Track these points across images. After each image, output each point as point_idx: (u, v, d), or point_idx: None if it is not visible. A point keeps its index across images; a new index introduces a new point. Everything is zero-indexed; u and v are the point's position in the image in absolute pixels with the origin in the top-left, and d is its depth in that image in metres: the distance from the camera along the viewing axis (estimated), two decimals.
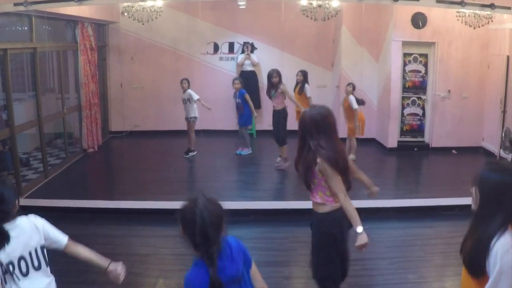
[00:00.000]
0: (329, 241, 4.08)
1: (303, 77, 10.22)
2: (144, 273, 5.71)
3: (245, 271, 2.80)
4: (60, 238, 3.31)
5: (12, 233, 2.98)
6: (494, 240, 2.51)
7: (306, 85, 10.19)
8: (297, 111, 9.98)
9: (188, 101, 10.27)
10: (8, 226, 2.98)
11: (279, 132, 9.49)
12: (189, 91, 10.26)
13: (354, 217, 3.97)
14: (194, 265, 2.65)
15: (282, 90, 9.36)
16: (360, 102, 9.90)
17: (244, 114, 10.51)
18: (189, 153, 10.51)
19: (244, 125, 10.63)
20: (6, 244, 2.94)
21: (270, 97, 9.64)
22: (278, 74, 9.38)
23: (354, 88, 9.98)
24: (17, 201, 3.14)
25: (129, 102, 11.94)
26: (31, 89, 9.55)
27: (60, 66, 10.10)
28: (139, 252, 6.26)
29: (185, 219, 2.61)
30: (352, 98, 9.84)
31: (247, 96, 10.40)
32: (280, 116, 9.51)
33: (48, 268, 3.26)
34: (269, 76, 9.49)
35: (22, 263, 3.06)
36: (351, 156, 10.16)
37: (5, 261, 2.99)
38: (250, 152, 10.66)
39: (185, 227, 2.62)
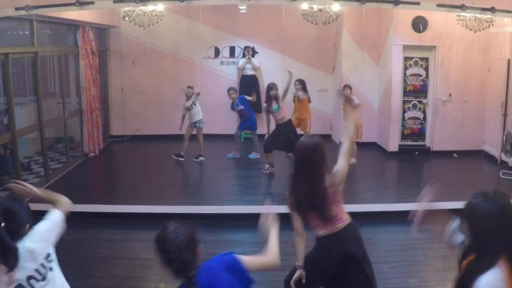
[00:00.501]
0: None
1: (302, 86, 10.27)
2: (145, 278, 5.70)
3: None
4: (55, 217, 3.37)
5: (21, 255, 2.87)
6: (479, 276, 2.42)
7: (304, 92, 10.34)
8: (295, 118, 10.21)
9: (194, 104, 10.25)
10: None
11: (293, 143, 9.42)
12: (193, 98, 10.27)
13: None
14: None
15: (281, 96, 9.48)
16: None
17: (250, 119, 10.51)
18: (199, 157, 10.50)
19: (251, 129, 10.63)
20: (16, 265, 2.83)
21: (271, 112, 9.64)
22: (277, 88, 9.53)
23: (351, 89, 10.06)
24: (28, 224, 3.10)
25: (130, 106, 11.95)
26: (32, 93, 9.55)
27: (61, 71, 10.11)
28: (140, 257, 6.25)
29: (160, 249, 2.63)
30: (354, 97, 9.91)
31: (248, 98, 10.41)
32: (291, 125, 9.69)
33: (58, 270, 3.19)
34: (269, 88, 9.56)
35: (32, 281, 2.95)
36: (352, 160, 10.18)
37: (14, 284, 2.86)
38: (259, 156, 10.64)
39: (162, 257, 2.63)
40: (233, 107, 10.59)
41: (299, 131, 10.06)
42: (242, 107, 10.40)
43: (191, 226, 2.76)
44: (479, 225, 2.49)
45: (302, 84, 10.30)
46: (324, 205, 3.92)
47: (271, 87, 9.58)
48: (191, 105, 10.26)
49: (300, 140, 4.07)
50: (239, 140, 10.86)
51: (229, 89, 10.57)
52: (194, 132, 10.43)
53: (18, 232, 2.97)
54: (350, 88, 10.10)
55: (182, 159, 10.37)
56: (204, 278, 2.65)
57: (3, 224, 2.82)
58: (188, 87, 10.34)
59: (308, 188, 3.90)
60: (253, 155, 10.72)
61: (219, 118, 11.83)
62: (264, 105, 9.98)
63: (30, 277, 2.92)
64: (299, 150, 3.98)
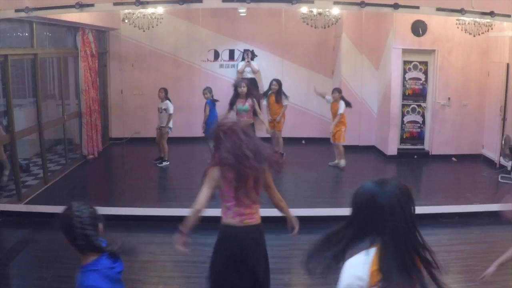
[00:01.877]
0: None
1: (279, 86, 10.27)
2: (143, 280, 5.70)
3: None
4: None
5: None
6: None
7: (283, 95, 10.36)
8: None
9: (164, 110, 10.20)
10: None
11: None
12: (167, 102, 10.21)
13: None
14: (88, 271, 2.75)
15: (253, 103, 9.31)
16: (348, 104, 10.07)
17: (209, 123, 10.36)
18: (163, 162, 10.44)
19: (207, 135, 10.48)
20: None
21: (237, 110, 9.33)
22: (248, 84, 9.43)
23: (340, 92, 10.09)
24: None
25: (130, 108, 11.93)
26: (32, 95, 9.55)
27: (61, 73, 10.10)
28: (138, 259, 6.24)
29: (65, 225, 2.80)
30: (341, 104, 9.97)
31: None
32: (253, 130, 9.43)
33: None
34: (236, 85, 9.28)
35: None
36: (342, 162, 10.23)
37: None
38: None
39: (67, 233, 2.79)
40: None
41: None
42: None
43: (91, 205, 2.96)
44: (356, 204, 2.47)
45: (279, 84, 10.35)
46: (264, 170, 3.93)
47: (239, 84, 9.26)
48: (162, 109, 10.25)
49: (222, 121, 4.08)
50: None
51: (204, 89, 10.49)
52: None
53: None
54: (340, 91, 10.16)
55: (168, 162, 10.43)
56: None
57: None
58: (160, 90, 10.29)
59: (257, 145, 3.87)
60: None
61: None
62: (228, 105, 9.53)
63: None
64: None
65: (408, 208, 2.35)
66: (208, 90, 10.43)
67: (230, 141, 3.83)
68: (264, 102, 10.47)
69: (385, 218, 2.29)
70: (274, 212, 7.78)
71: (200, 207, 3.94)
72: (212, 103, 10.20)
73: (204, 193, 3.97)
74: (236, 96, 9.24)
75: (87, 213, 2.83)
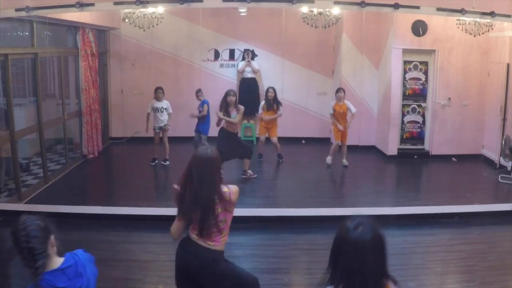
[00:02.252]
0: None
1: (275, 94, 10.28)
2: (143, 280, 5.70)
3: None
4: None
5: None
6: None
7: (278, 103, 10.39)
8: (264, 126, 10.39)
9: (165, 110, 10.19)
10: None
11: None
12: (166, 101, 10.23)
13: None
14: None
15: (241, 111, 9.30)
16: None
17: (206, 123, 10.43)
18: (167, 161, 10.45)
19: (203, 133, 10.44)
20: None
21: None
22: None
23: (344, 92, 10.17)
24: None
25: (130, 108, 11.94)
26: (32, 94, 9.55)
27: (61, 72, 10.10)
28: (138, 259, 6.25)
29: (13, 238, 2.65)
30: (349, 102, 10.03)
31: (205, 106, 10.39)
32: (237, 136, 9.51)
33: None
34: (227, 94, 9.26)
35: None
36: (345, 161, 10.28)
37: None
38: None
39: (14, 247, 2.65)
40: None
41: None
42: (201, 109, 10.35)
43: (44, 217, 2.76)
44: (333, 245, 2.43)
45: (275, 91, 10.33)
46: (209, 215, 3.78)
47: (228, 93, 9.26)
48: (162, 109, 10.23)
49: (198, 151, 3.95)
50: (199, 144, 10.70)
51: (197, 91, 10.52)
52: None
53: None
54: (344, 91, 10.20)
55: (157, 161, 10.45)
56: (69, 261, 2.73)
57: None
58: (158, 89, 10.26)
59: (200, 193, 3.79)
60: None
61: None
62: (217, 110, 9.36)
63: None
64: (197, 160, 3.87)
65: (379, 254, 2.32)
66: (201, 92, 10.47)
67: (188, 179, 3.89)
68: (260, 110, 10.43)
69: (351, 259, 2.30)
70: (272, 212, 7.82)
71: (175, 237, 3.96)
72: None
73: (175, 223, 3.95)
74: (227, 104, 9.19)
75: (33, 225, 2.64)
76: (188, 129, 11.06)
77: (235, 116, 9.18)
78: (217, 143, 9.03)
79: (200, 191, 3.75)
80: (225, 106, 9.18)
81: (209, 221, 3.75)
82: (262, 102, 10.46)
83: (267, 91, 10.37)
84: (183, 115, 10.71)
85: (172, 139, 10.56)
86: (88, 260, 2.84)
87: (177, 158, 10.56)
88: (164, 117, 10.17)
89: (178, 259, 3.92)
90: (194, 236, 3.85)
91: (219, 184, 3.80)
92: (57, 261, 2.70)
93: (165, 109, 10.16)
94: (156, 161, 10.42)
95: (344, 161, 10.37)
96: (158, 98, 10.18)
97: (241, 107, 9.23)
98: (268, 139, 10.46)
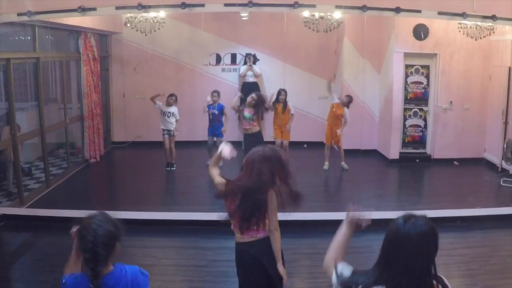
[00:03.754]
0: None
1: (286, 96, 10.30)
2: None
3: None
4: None
5: None
6: None
7: (289, 103, 10.42)
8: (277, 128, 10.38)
9: (172, 115, 10.19)
10: None
11: None
12: (176, 107, 10.23)
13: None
14: (74, 275, 2.69)
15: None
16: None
17: (220, 126, 10.42)
18: (174, 167, 10.46)
19: (219, 136, 10.40)
20: None
21: (243, 118, 9.54)
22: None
23: (351, 102, 10.18)
24: None
25: (131, 112, 11.94)
26: (34, 98, 9.56)
27: (63, 76, 10.12)
28: (140, 263, 6.18)
29: (80, 234, 2.63)
30: (347, 111, 10.04)
31: (226, 111, 10.41)
32: (260, 137, 9.42)
33: None
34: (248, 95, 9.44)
35: None
36: (344, 165, 10.28)
37: None
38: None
39: (79, 242, 2.64)
40: (209, 107, 10.40)
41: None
42: (217, 112, 10.33)
43: (117, 222, 2.72)
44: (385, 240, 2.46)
45: (286, 94, 10.36)
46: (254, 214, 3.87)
47: (250, 95, 9.45)
48: (170, 113, 10.21)
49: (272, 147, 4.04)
50: (213, 148, 10.68)
51: (214, 92, 10.44)
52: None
53: None
54: (351, 100, 10.26)
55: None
56: (115, 278, 2.67)
57: None
58: (171, 96, 10.22)
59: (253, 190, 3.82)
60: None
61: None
62: (239, 93, 10.00)
63: None
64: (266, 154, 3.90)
65: (432, 246, 2.36)
66: (218, 94, 10.48)
67: (248, 175, 3.87)
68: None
69: (407, 253, 2.32)
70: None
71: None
72: None
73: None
74: (244, 104, 9.40)
75: (104, 230, 2.61)
76: (190, 133, 11.09)
77: (249, 116, 9.28)
78: (245, 149, 9.15)
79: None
80: (241, 104, 9.45)
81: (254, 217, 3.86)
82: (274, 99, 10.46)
83: (279, 93, 10.34)
84: (184, 119, 10.71)
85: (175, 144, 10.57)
86: (135, 279, 2.77)
87: (181, 162, 10.58)
88: (172, 121, 10.17)
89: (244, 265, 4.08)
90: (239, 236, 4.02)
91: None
92: (109, 267, 2.68)
93: (173, 114, 10.16)
94: (174, 167, 10.43)
95: (344, 165, 10.35)
96: (168, 104, 10.16)
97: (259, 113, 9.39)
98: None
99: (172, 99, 10.14)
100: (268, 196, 3.83)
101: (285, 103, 10.35)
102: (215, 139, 10.43)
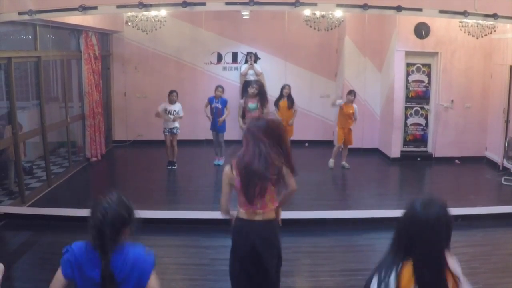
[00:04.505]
0: None
1: (290, 90, 10.31)
2: None
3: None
4: None
5: None
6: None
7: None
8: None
9: (177, 113, 10.18)
10: None
11: None
12: (179, 104, 10.23)
13: None
14: (79, 243, 2.71)
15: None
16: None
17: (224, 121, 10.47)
18: (176, 165, 10.47)
19: (221, 131, 10.45)
20: None
21: (248, 110, 9.64)
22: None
23: (355, 96, 10.16)
24: None
25: (133, 111, 11.94)
26: (35, 97, 9.56)
27: (64, 75, 10.12)
28: None
29: (92, 210, 2.68)
30: (356, 107, 10.07)
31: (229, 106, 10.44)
32: None
33: None
34: (249, 85, 9.64)
35: None
36: (345, 164, 10.29)
37: None
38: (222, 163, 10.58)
39: (90, 217, 2.67)
40: (211, 101, 10.38)
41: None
42: (220, 106, 10.33)
43: (130, 205, 2.83)
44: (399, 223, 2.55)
45: (290, 88, 10.41)
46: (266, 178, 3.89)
47: (251, 84, 9.70)
48: (175, 111, 10.20)
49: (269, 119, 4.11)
50: (217, 144, 10.67)
51: (218, 86, 10.41)
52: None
53: None
54: (355, 95, 10.23)
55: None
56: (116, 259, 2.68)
57: None
58: (172, 93, 10.20)
59: (264, 155, 3.87)
60: (219, 161, 10.50)
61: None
62: (240, 101, 10.05)
63: None
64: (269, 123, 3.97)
65: (448, 226, 2.52)
66: (223, 88, 10.46)
67: (251, 147, 3.92)
68: (273, 109, 10.39)
69: (424, 233, 2.42)
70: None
71: (223, 209, 4.18)
72: None
73: (223, 193, 4.16)
74: (246, 95, 9.59)
75: (114, 211, 2.66)
76: (191, 132, 11.09)
77: (256, 105, 9.43)
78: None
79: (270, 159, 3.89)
80: (246, 95, 9.56)
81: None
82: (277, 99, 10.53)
83: (283, 87, 10.34)
84: (185, 118, 10.69)
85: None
86: (136, 260, 2.79)
87: (182, 161, 10.59)
88: (174, 120, 10.18)
89: (243, 242, 4.03)
90: (243, 212, 4.03)
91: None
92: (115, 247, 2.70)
93: (177, 112, 10.17)
94: (176, 165, 10.44)
95: (344, 163, 10.36)
96: (171, 101, 10.15)
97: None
98: None
99: (173, 95, 10.14)
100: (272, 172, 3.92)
101: (290, 98, 10.36)
102: (218, 134, 10.48)
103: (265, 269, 3.98)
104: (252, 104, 9.50)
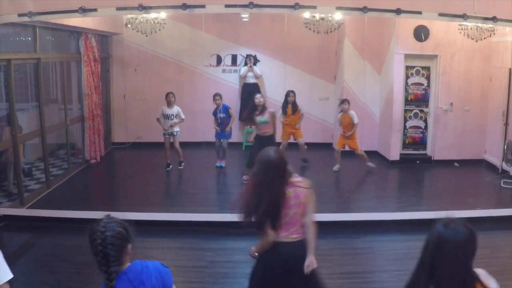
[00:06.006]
0: None
1: (295, 97, 10.30)
2: None
3: None
4: None
5: None
6: None
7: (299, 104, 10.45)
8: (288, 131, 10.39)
9: (175, 117, 10.16)
10: None
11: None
12: (178, 107, 10.21)
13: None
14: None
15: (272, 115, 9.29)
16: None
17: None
18: (182, 164, 10.47)
19: (226, 137, 10.46)
20: None
21: (256, 123, 9.27)
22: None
23: (349, 103, 10.22)
24: None
25: (132, 113, 11.95)
26: (34, 99, 9.57)
27: (64, 77, 10.13)
28: None
29: (89, 238, 2.64)
30: (353, 113, 10.05)
31: (231, 111, 10.44)
32: (273, 140, 9.27)
33: None
34: (254, 97, 9.28)
35: None
36: (370, 164, 10.31)
37: None
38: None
39: (90, 247, 2.65)
40: (215, 113, 10.41)
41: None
42: (224, 115, 10.32)
43: (125, 224, 2.77)
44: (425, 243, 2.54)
45: (295, 95, 10.39)
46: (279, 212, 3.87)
47: (255, 96, 9.29)
48: (173, 115, 10.18)
49: (265, 151, 4.00)
50: (220, 149, 10.68)
51: (216, 95, 10.41)
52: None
53: None
54: (349, 102, 10.24)
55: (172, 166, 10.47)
56: (136, 266, 2.75)
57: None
58: (169, 94, 10.19)
59: (274, 194, 3.85)
60: (220, 164, 10.59)
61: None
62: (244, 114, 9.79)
63: None
64: (267, 158, 3.92)
65: (472, 249, 2.51)
66: (220, 96, 10.43)
67: (257, 183, 3.89)
68: (279, 113, 10.36)
69: (454, 253, 2.43)
70: None
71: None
72: None
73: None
74: (253, 108, 9.16)
75: (112, 231, 2.64)
76: (190, 134, 11.09)
77: (266, 119, 9.12)
78: (251, 149, 9.33)
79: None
80: (250, 111, 9.21)
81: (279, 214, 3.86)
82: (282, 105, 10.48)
83: (288, 95, 10.31)
84: (185, 121, 10.70)
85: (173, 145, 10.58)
86: (158, 271, 2.81)
87: (185, 163, 10.58)
88: (173, 123, 10.17)
89: (271, 263, 3.96)
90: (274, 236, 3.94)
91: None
92: (125, 266, 2.71)
93: (176, 116, 10.14)
94: (171, 166, 10.44)
95: (369, 164, 10.39)
96: (169, 104, 10.14)
97: (272, 110, 9.30)
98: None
99: (170, 96, 10.14)
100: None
101: (294, 104, 10.34)
102: (222, 140, 10.50)
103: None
104: (260, 118, 9.14)
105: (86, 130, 10.66)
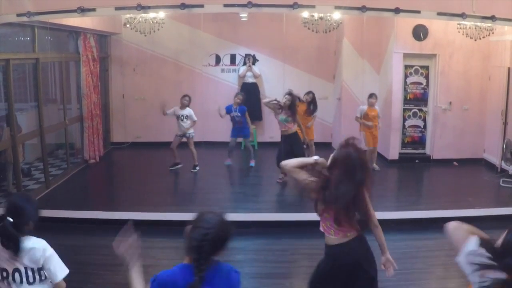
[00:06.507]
0: None
1: (313, 96, 10.29)
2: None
3: None
4: (54, 276, 3.41)
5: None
6: None
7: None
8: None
9: (186, 118, 10.11)
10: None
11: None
12: (190, 109, 10.14)
13: None
14: (176, 266, 2.83)
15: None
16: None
17: (244, 127, 10.45)
18: (196, 168, 10.38)
19: (245, 137, 10.56)
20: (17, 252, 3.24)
21: (279, 120, 9.32)
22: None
23: (377, 98, 10.30)
24: (31, 222, 3.55)
25: (131, 113, 11.94)
26: (33, 99, 9.56)
27: (62, 77, 10.12)
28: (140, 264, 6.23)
29: (195, 224, 2.81)
30: (378, 108, 10.13)
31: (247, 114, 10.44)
32: (297, 138, 9.36)
33: (45, 283, 3.38)
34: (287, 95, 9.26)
35: (16, 275, 3.26)
36: (375, 166, 10.31)
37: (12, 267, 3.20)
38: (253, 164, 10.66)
39: (191, 230, 2.80)
40: (229, 110, 10.39)
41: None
42: (239, 114, 10.33)
43: (230, 227, 2.81)
44: None
45: (314, 95, 10.42)
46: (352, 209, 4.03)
47: (284, 96, 9.23)
48: (184, 116, 10.09)
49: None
50: (234, 148, 10.70)
51: (238, 94, 10.46)
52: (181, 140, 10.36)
53: (21, 228, 3.43)
54: (376, 97, 10.34)
55: (180, 165, 10.41)
56: (214, 271, 2.73)
57: (10, 219, 3.28)
58: (184, 97, 10.13)
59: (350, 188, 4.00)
60: (252, 164, 10.66)
61: (220, 126, 11.77)
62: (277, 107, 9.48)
63: (16, 270, 3.27)
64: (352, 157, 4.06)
65: None
66: (243, 96, 10.45)
67: (338, 176, 4.05)
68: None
69: None
70: (273, 217, 7.82)
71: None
72: None
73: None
74: (280, 106, 9.17)
75: (215, 230, 2.74)
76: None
77: (285, 118, 9.15)
78: (278, 149, 9.32)
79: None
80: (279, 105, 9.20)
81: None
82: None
83: (306, 93, 10.34)
84: None
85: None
86: (228, 271, 2.84)
87: (181, 163, 10.57)
88: (186, 125, 10.08)
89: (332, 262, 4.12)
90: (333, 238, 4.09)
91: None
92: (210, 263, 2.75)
93: (187, 116, 10.09)
94: (177, 166, 10.39)
95: (375, 166, 10.38)
96: (182, 106, 10.08)
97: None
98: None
99: (186, 99, 10.09)
100: (361, 193, 4.09)
101: (310, 104, 10.33)
102: (239, 139, 10.59)
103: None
104: (282, 116, 9.17)
105: (85, 130, 10.65)
